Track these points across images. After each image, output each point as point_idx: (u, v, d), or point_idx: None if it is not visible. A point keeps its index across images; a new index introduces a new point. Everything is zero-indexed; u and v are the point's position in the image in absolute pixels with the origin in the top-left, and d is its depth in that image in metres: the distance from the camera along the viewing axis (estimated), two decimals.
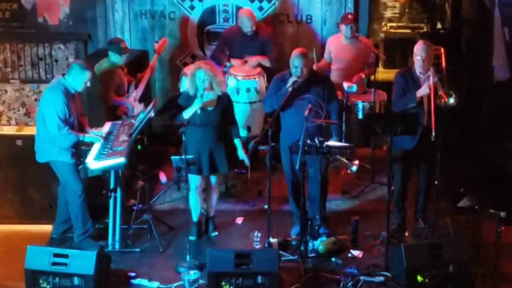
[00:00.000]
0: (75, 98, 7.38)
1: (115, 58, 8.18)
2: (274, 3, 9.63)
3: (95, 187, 7.86)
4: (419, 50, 7.44)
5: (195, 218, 7.66)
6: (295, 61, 7.31)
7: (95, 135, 7.44)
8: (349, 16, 8.83)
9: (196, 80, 7.28)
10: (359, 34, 9.00)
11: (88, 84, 7.32)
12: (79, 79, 7.23)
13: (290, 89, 7.29)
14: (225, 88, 7.64)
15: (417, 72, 7.49)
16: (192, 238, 7.57)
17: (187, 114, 7.26)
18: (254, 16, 9.04)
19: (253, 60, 8.89)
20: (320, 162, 7.34)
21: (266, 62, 8.91)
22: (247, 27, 8.93)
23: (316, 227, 7.46)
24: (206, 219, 7.79)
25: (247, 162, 7.59)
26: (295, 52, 7.39)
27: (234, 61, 8.93)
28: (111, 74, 8.14)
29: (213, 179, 7.64)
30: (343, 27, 8.76)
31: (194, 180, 7.52)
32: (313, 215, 7.53)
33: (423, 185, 7.80)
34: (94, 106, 8.50)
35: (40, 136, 7.34)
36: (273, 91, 7.49)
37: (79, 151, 7.42)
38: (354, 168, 7.35)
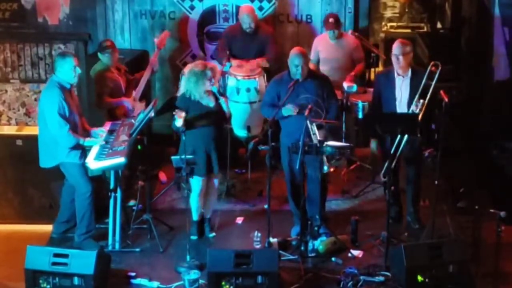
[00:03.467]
0: (72, 95, 7.35)
1: (103, 58, 8.12)
2: (274, 3, 9.64)
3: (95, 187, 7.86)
4: (395, 48, 7.53)
5: (195, 217, 7.66)
6: (295, 60, 7.30)
7: (97, 134, 7.42)
8: (330, 20, 8.78)
9: (205, 80, 7.25)
10: (344, 31, 9.00)
11: (78, 70, 7.23)
12: (66, 68, 7.17)
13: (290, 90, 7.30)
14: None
15: (395, 73, 7.53)
16: (193, 237, 7.58)
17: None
18: (254, 13, 9.04)
19: (253, 63, 8.88)
20: (319, 162, 7.33)
21: (265, 64, 8.90)
22: (246, 23, 8.93)
23: (316, 227, 7.46)
24: (201, 219, 7.78)
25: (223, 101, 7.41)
26: (294, 51, 7.38)
27: (234, 62, 8.90)
28: (102, 78, 8.07)
29: (215, 181, 7.64)
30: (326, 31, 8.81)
31: (198, 183, 7.50)
32: (313, 214, 7.53)
33: (407, 187, 7.83)
34: (95, 107, 8.49)
35: (45, 139, 7.29)
36: (269, 99, 7.48)
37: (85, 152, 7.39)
38: (325, 167, 7.30)
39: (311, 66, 8.91)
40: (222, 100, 7.36)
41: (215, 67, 7.45)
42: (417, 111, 7.35)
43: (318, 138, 7.09)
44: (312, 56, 8.97)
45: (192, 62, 9.53)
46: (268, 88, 7.67)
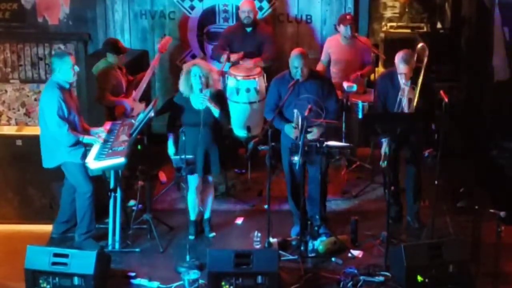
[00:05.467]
0: (72, 95, 7.35)
1: (112, 58, 8.15)
2: (274, 3, 9.64)
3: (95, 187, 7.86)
4: (403, 68, 7.43)
5: (193, 217, 7.66)
6: (295, 61, 7.30)
7: (96, 134, 7.42)
8: (348, 17, 8.83)
9: (191, 78, 7.27)
10: (357, 34, 9.01)
11: (77, 68, 7.23)
12: (64, 68, 7.16)
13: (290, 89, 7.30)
14: (219, 85, 7.63)
15: (399, 76, 7.54)
16: (191, 237, 7.57)
17: None
18: (254, 7, 9.05)
19: (250, 63, 8.88)
20: (320, 162, 7.33)
21: (261, 64, 8.89)
22: (245, 12, 8.93)
23: (316, 227, 7.46)
24: (201, 219, 7.78)
25: (215, 112, 7.33)
26: (295, 52, 7.38)
27: (233, 56, 8.89)
28: (107, 74, 8.10)
29: (209, 179, 7.63)
30: (342, 27, 8.75)
31: (193, 180, 7.51)
32: (313, 214, 7.53)
33: (407, 187, 7.83)
34: (94, 106, 8.50)
35: (46, 140, 7.29)
36: (272, 101, 7.47)
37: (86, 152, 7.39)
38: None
39: (320, 67, 8.93)
40: (210, 105, 7.25)
41: (207, 67, 7.34)
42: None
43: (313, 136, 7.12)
44: (323, 57, 8.97)
45: None
46: (270, 88, 7.65)
